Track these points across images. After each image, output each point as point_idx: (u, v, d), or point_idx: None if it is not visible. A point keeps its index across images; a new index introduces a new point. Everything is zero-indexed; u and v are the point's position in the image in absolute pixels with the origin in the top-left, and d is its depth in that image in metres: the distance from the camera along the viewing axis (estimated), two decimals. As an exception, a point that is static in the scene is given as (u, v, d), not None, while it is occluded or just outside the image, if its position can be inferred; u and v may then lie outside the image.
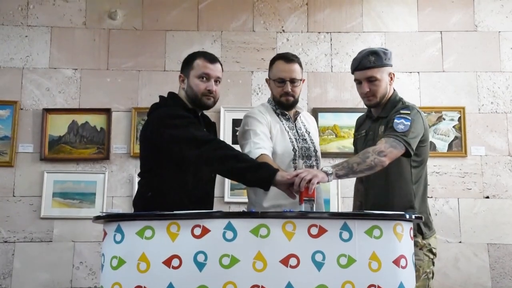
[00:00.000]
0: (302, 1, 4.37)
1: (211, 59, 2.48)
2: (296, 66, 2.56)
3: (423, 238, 2.42)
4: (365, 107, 4.18)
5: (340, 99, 4.22)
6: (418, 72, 4.24)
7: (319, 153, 2.68)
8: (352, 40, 4.31)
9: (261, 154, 2.39)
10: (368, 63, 2.46)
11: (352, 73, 2.57)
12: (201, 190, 2.43)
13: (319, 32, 4.33)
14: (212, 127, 2.63)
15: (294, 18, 4.35)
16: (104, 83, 4.20)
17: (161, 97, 2.56)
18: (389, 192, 2.45)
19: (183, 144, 2.26)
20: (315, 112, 4.15)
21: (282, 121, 2.60)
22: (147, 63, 4.24)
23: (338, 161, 4.07)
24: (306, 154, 2.59)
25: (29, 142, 4.09)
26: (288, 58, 2.57)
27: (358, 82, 2.54)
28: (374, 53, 2.48)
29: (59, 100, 4.17)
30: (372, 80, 2.47)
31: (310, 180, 2.09)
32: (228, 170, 2.26)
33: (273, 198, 2.45)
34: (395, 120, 2.35)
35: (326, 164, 3.99)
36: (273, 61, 2.63)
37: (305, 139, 2.63)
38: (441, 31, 4.32)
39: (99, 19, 4.30)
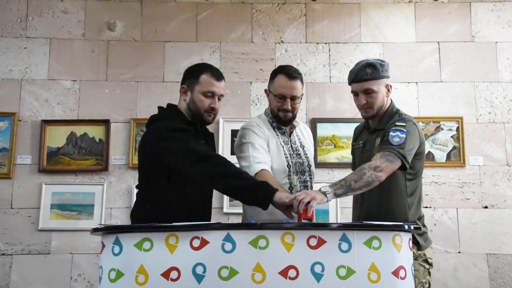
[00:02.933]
0: (300, 12, 4.40)
1: (218, 76, 2.43)
2: (298, 83, 2.52)
3: (419, 249, 2.40)
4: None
5: (339, 109, 4.23)
6: (416, 82, 4.26)
7: (313, 168, 2.66)
8: (351, 50, 4.33)
9: (262, 170, 2.36)
10: (365, 75, 2.44)
11: (349, 84, 2.56)
12: (200, 202, 2.42)
13: (317, 43, 4.35)
14: (211, 137, 2.62)
15: (293, 29, 4.37)
16: (103, 94, 4.21)
17: (160, 108, 2.54)
18: (383, 204, 2.43)
19: (182, 158, 2.23)
20: (313, 122, 4.16)
21: (278, 135, 2.57)
22: (146, 74, 4.25)
23: (336, 171, 4.10)
24: (300, 170, 2.56)
25: (28, 154, 4.09)
26: (291, 74, 2.52)
27: (355, 94, 2.52)
28: (371, 65, 2.45)
29: (57, 112, 4.17)
30: (369, 92, 2.45)
31: (308, 202, 2.09)
32: (226, 188, 2.25)
33: (269, 213, 2.38)
34: (391, 133, 2.32)
35: (325, 175, 4.06)
36: (274, 74, 2.58)
37: (299, 154, 2.60)
38: (438, 42, 4.34)
39: (98, 31, 4.32)
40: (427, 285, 2.42)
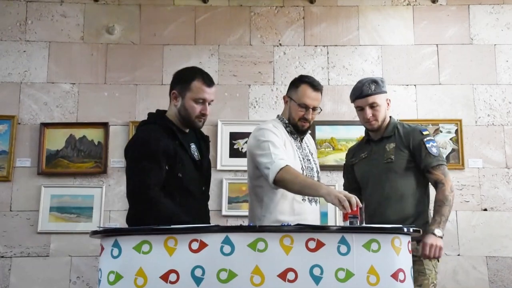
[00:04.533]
0: (298, 15, 4.40)
1: (209, 82, 2.46)
2: (320, 95, 2.66)
3: None
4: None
5: (337, 112, 4.23)
6: (415, 85, 4.26)
7: (319, 174, 2.77)
8: (349, 53, 4.34)
9: (286, 166, 2.38)
10: (369, 91, 2.68)
11: (353, 101, 2.76)
12: (192, 205, 2.39)
13: (315, 46, 4.36)
14: (205, 140, 2.63)
15: (291, 31, 4.37)
16: (102, 97, 4.21)
17: (149, 114, 2.55)
18: (404, 204, 2.62)
19: (130, 181, 2.31)
20: (312, 125, 4.14)
21: (292, 140, 2.66)
22: (145, 77, 4.25)
23: (335, 174, 4.10)
24: (311, 175, 2.64)
25: (27, 157, 4.08)
26: (316, 86, 2.63)
27: (360, 109, 2.73)
28: (374, 81, 2.70)
29: (56, 115, 4.17)
30: (374, 105, 2.68)
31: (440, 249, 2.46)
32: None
33: (281, 213, 2.50)
34: (426, 145, 2.61)
35: (323, 177, 4.04)
36: (299, 84, 2.65)
37: (309, 160, 2.70)
38: (437, 44, 4.35)
39: (97, 34, 4.32)
40: (437, 286, 2.58)
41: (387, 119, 2.77)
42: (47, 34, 4.29)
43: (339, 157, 4.12)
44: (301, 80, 2.66)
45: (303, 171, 2.55)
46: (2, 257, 3.93)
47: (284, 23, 4.39)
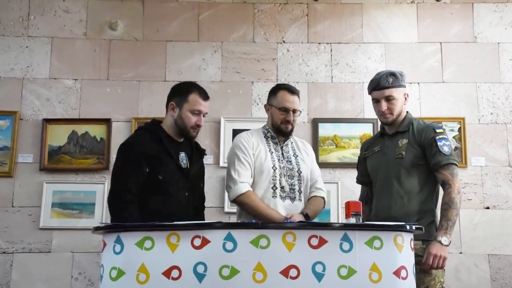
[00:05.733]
0: (302, 12, 4.39)
1: (205, 96, 2.68)
2: (297, 98, 2.86)
3: None
4: (364, 117, 4.22)
5: (340, 109, 4.22)
6: (418, 83, 4.25)
7: (304, 175, 2.86)
8: (352, 51, 4.33)
9: (247, 191, 2.68)
10: (386, 83, 2.67)
11: (370, 93, 2.76)
12: (173, 208, 2.51)
13: (319, 43, 4.35)
14: (200, 153, 2.81)
15: (295, 29, 4.36)
16: (104, 93, 4.21)
17: (146, 123, 2.75)
18: (411, 201, 2.59)
19: (112, 180, 2.54)
20: (315, 122, 4.15)
21: (269, 144, 2.87)
22: (148, 73, 4.25)
23: (338, 171, 4.10)
24: (289, 174, 2.81)
25: (29, 152, 4.08)
26: (292, 90, 2.86)
27: (376, 101, 2.72)
28: (392, 74, 2.69)
29: (59, 111, 4.17)
30: (390, 99, 2.67)
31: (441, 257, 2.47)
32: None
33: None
34: (438, 143, 2.57)
35: (326, 174, 4.04)
36: (277, 91, 2.87)
37: (290, 161, 2.86)
38: (440, 42, 4.33)
39: (100, 30, 4.32)
40: (444, 285, 2.57)
41: (403, 114, 2.73)
42: (50, 30, 4.29)
43: (342, 155, 4.11)
44: (279, 88, 2.90)
45: (275, 170, 2.77)
46: (4, 252, 3.94)
47: (288, 20, 4.37)
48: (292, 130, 2.88)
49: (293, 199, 2.78)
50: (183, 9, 4.36)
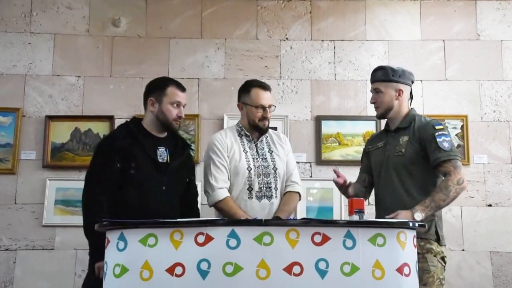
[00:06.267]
0: (305, 10, 4.39)
1: (182, 88, 2.72)
2: (270, 93, 2.90)
3: (439, 244, 2.54)
4: (368, 115, 4.23)
5: (344, 107, 4.22)
6: (421, 81, 4.25)
7: (279, 171, 2.87)
8: (356, 48, 4.32)
9: (225, 198, 2.72)
10: (374, 77, 2.76)
11: None
12: (147, 201, 2.54)
13: (322, 40, 4.34)
14: (184, 148, 2.80)
15: (298, 26, 4.36)
16: (107, 90, 4.21)
17: (126, 121, 2.80)
18: (413, 199, 2.55)
19: (85, 178, 2.60)
20: (318, 120, 4.15)
21: (244, 142, 2.88)
22: (151, 70, 4.24)
23: (341, 169, 4.04)
24: (264, 172, 2.83)
25: (32, 149, 4.09)
26: (265, 86, 2.88)
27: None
28: (382, 68, 2.75)
29: (61, 107, 4.17)
30: (377, 91, 2.74)
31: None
32: (84, 226, 2.53)
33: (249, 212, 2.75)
34: (438, 139, 2.54)
35: (329, 172, 4.03)
36: (249, 88, 2.89)
37: (265, 159, 2.87)
38: (443, 40, 4.33)
39: (103, 27, 4.32)
40: (444, 281, 2.53)
41: (403, 110, 2.73)
42: (52, 26, 4.29)
43: (345, 152, 4.11)
44: (251, 85, 2.90)
45: (249, 170, 2.79)
46: (7, 249, 3.95)
47: (291, 17, 4.37)
48: (269, 125, 2.91)
49: (269, 197, 2.81)
50: (186, 6, 4.36)
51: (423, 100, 4.22)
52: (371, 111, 4.11)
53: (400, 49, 4.31)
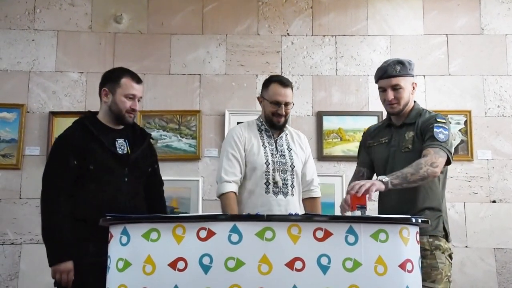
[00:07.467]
0: (306, 5, 4.37)
1: (138, 80, 2.67)
2: (290, 91, 2.86)
3: (447, 240, 2.51)
4: (370, 110, 4.22)
5: (345, 102, 4.21)
6: (424, 76, 4.23)
7: (296, 169, 2.88)
8: (357, 43, 4.31)
9: (229, 192, 2.74)
10: (393, 72, 2.59)
11: (376, 82, 2.69)
12: (111, 194, 2.54)
13: (324, 36, 4.33)
14: (144, 137, 2.76)
15: (299, 21, 4.35)
16: (110, 86, 4.21)
17: (80, 116, 2.80)
18: (420, 197, 2.52)
19: (42, 178, 2.55)
20: (319, 116, 4.15)
21: (263, 137, 2.89)
22: (152, 66, 4.25)
23: (342, 164, 4.10)
24: (282, 168, 2.84)
25: (36, 145, 4.11)
26: (284, 83, 2.86)
27: (383, 90, 2.64)
28: (400, 62, 2.61)
29: (65, 103, 4.19)
30: (397, 88, 2.59)
31: (369, 188, 2.21)
32: (42, 228, 2.57)
33: (248, 207, 2.78)
34: (435, 130, 2.48)
35: (331, 167, 4.05)
36: (269, 83, 2.88)
37: (284, 155, 2.88)
38: (447, 34, 4.31)
39: (105, 23, 4.32)
40: (451, 278, 2.51)
41: (411, 104, 2.65)
42: (55, 23, 4.30)
43: (347, 148, 4.11)
44: (271, 80, 2.90)
45: (267, 165, 2.80)
46: (13, 243, 3.97)
47: (292, 12, 4.36)
48: (285, 123, 2.91)
49: (285, 194, 2.82)
50: (188, 2, 4.36)
51: (426, 96, 4.20)
52: (373, 107, 4.12)
53: (402, 44, 4.30)
